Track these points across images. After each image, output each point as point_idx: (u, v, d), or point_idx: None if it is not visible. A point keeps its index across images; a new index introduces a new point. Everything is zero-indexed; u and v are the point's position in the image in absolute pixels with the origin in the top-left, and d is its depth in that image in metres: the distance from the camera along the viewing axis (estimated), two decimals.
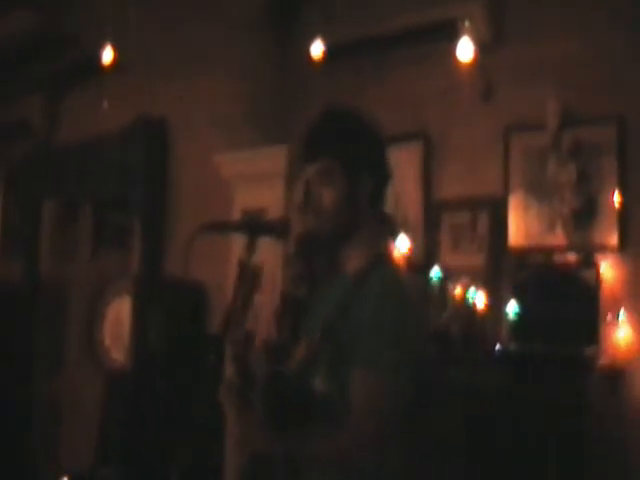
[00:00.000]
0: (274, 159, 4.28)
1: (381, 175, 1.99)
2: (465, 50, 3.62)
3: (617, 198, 3.39)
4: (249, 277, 1.89)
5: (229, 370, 1.86)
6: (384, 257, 1.97)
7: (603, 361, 3.24)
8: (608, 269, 3.36)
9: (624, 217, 3.39)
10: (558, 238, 3.53)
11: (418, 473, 2.01)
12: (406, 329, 1.85)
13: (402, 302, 1.88)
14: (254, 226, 1.96)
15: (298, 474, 1.87)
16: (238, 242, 2.02)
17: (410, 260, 3.71)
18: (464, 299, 3.53)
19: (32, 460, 5.32)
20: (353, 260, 1.97)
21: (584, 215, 3.47)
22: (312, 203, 1.94)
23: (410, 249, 3.77)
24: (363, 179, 1.94)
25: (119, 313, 4.92)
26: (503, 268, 3.69)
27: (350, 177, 1.93)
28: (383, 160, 2.01)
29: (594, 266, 3.37)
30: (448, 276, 3.60)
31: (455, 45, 3.64)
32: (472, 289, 3.54)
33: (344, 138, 1.95)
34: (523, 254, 3.66)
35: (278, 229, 2.00)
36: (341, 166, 1.92)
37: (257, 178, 4.39)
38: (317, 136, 1.98)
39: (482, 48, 3.68)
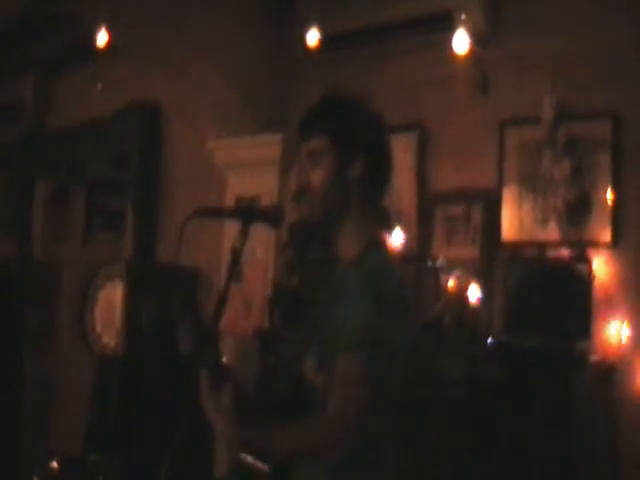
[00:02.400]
0: (268, 146, 4.28)
1: (374, 161, 1.97)
2: (461, 42, 3.61)
3: (611, 194, 3.39)
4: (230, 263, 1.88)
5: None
6: (376, 243, 1.96)
7: (595, 356, 3.24)
8: (601, 264, 3.36)
9: (618, 213, 3.39)
10: (551, 232, 3.53)
11: (403, 462, 2.01)
12: (390, 308, 1.81)
13: (387, 280, 1.86)
14: (248, 213, 1.95)
15: (286, 467, 1.86)
16: (231, 229, 2.02)
17: (403, 251, 3.71)
18: (457, 291, 3.53)
19: (21, 443, 5.31)
20: (346, 248, 1.96)
21: (578, 210, 3.47)
22: (304, 185, 1.94)
23: (404, 240, 3.77)
24: (353, 161, 1.93)
25: (111, 298, 4.90)
26: (496, 261, 3.69)
27: (339, 158, 1.92)
28: (379, 146, 2.00)
29: (587, 261, 3.37)
30: (442, 267, 3.61)
31: (451, 37, 3.63)
32: (465, 281, 3.54)
33: (336, 119, 1.95)
34: (516, 248, 3.66)
35: (272, 216, 1.99)
36: (330, 145, 1.92)
37: (251, 165, 4.38)
38: (311, 117, 1.99)
39: (478, 40, 3.67)
